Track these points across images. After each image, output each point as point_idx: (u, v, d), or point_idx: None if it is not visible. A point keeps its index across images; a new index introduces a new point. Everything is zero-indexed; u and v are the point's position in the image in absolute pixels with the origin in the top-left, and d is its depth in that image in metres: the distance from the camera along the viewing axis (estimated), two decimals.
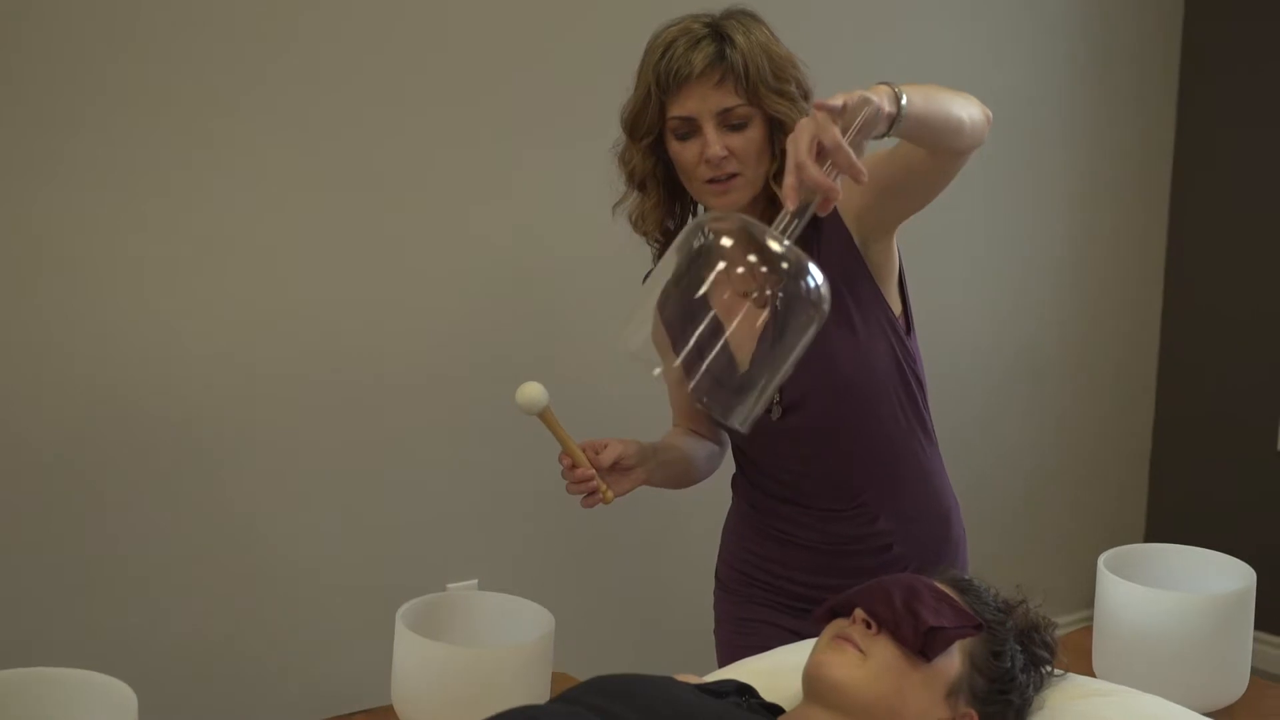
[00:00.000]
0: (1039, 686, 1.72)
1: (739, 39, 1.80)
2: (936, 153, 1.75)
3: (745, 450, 2.09)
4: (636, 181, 1.93)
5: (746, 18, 1.85)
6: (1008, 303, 3.80)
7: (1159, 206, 4.17)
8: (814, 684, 1.59)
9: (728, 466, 2.25)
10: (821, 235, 1.88)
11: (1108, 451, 4.20)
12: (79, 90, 2.32)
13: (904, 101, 1.56)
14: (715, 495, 3.22)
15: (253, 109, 2.51)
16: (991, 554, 3.27)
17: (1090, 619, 3.85)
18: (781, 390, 1.88)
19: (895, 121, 1.56)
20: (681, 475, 2.13)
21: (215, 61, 2.45)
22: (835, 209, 1.77)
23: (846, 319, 1.89)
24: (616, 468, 1.96)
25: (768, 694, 1.68)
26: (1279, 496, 4.00)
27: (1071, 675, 1.79)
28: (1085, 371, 4.07)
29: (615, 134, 1.98)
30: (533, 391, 1.85)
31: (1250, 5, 3.96)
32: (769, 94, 1.81)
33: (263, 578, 2.61)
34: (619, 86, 1.95)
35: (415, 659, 1.89)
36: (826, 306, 1.41)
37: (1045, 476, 3.99)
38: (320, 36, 2.57)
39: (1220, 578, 2.12)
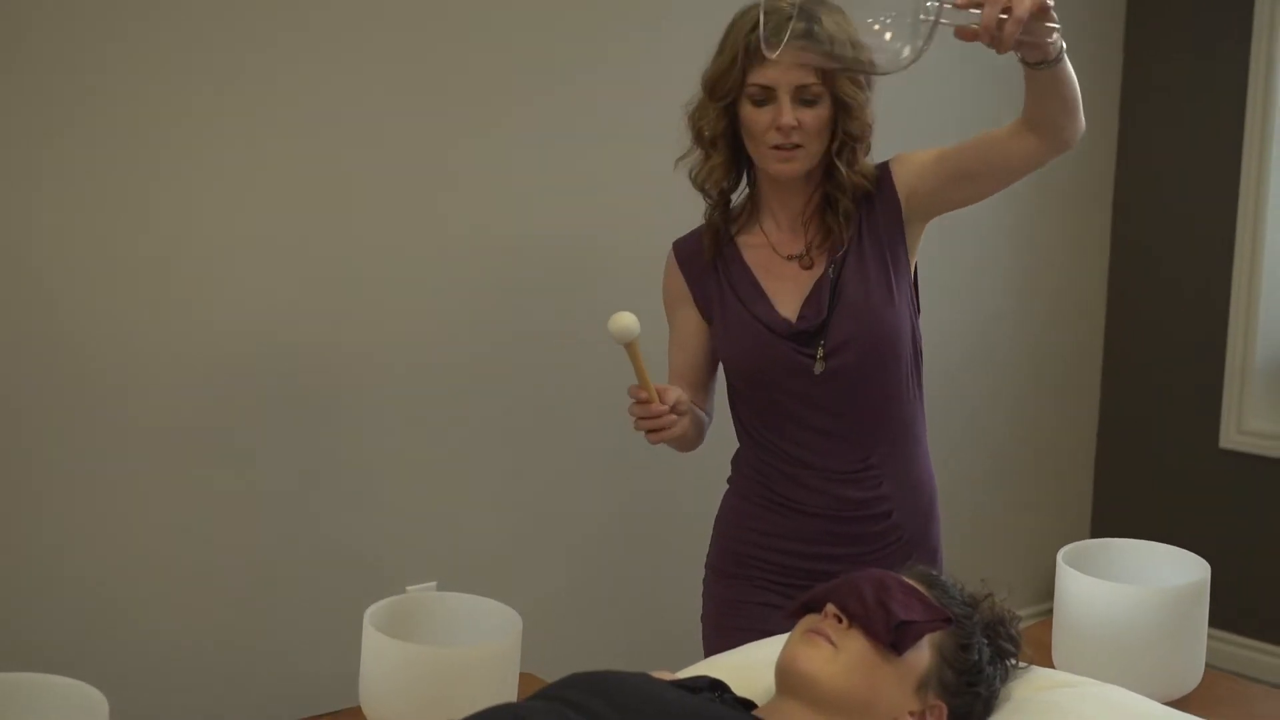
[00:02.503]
0: (1005, 679, 1.75)
1: (826, 23, 1.85)
2: (1044, 129, 1.93)
3: (766, 414, 2.15)
4: (707, 140, 2.06)
5: (828, 4, 1.90)
6: (955, 309, 3.85)
7: (1102, 213, 4.24)
8: (787, 677, 1.61)
9: (722, 454, 2.29)
10: (877, 201, 2.08)
11: (1054, 452, 4.25)
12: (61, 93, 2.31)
13: (1064, 50, 1.78)
14: (670, 493, 3.25)
15: (249, 102, 2.52)
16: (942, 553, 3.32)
17: (1042, 613, 3.92)
18: (825, 338, 2.05)
19: (1047, 63, 1.78)
20: (694, 438, 2.21)
21: (194, 63, 2.45)
22: (893, 182, 2.07)
23: (886, 280, 2.08)
24: (673, 411, 2.03)
25: (739, 689, 1.70)
26: (1222, 493, 4.08)
27: (1035, 668, 1.83)
28: (1031, 375, 4.12)
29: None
30: (627, 320, 1.89)
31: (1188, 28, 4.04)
32: (843, 78, 1.99)
33: (222, 581, 2.59)
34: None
35: (384, 660, 1.89)
36: (920, 43, 1.55)
37: (994, 477, 4.04)
38: (299, 30, 2.56)
39: (1173, 571, 2.16)
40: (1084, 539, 4.03)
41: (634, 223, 3.10)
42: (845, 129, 2.02)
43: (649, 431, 2.00)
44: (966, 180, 2.07)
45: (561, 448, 3.07)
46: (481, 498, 2.94)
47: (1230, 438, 4.05)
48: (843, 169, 2.04)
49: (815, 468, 2.13)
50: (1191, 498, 4.14)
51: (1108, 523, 4.30)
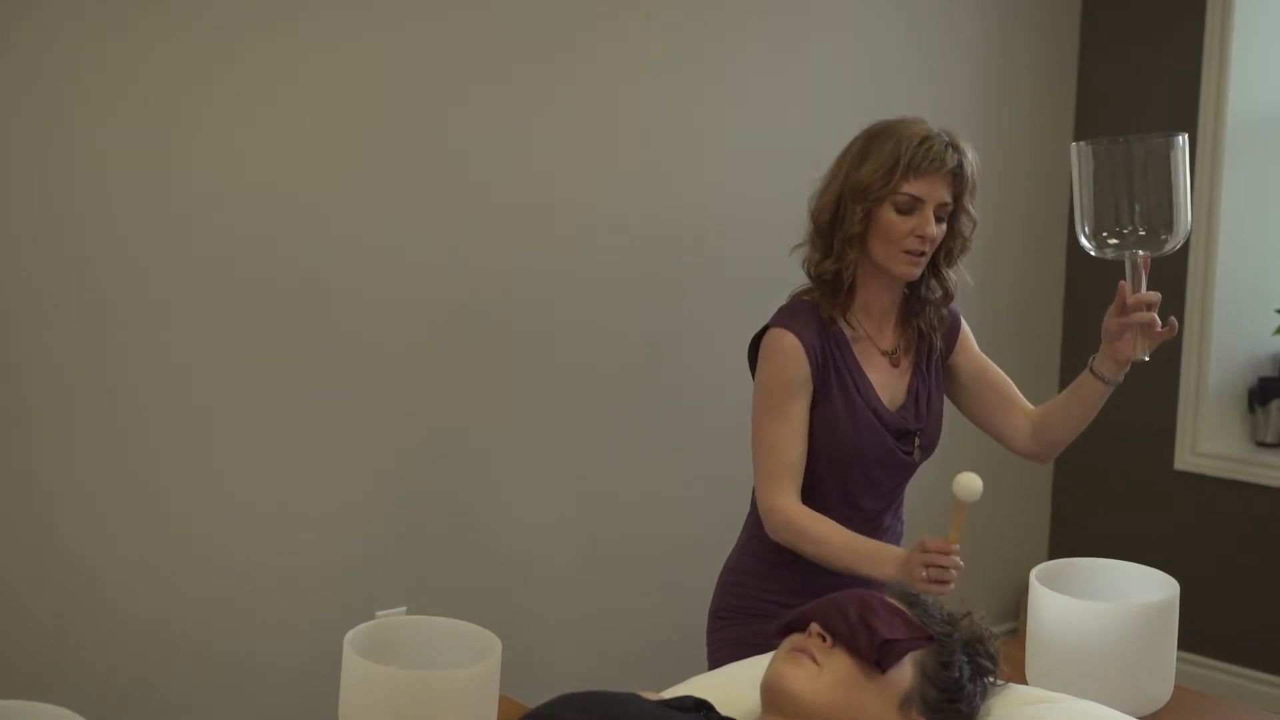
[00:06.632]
0: (985, 695, 1.78)
1: (969, 156, 2.24)
2: (1045, 436, 2.39)
3: (822, 490, 2.28)
4: (843, 238, 2.24)
5: (965, 141, 2.25)
6: None
7: (1058, 237, 4.30)
8: (772, 694, 1.63)
9: (734, 514, 2.42)
10: (942, 334, 2.36)
11: (1013, 475, 4.29)
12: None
13: (1116, 383, 2.23)
14: (647, 518, 3.26)
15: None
16: None
17: (1005, 633, 3.95)
18: (923, 435, 2.33)
19: (1109, 381, 2.22)
20: None
21: (190, 47, 2.44)
22: (958, 333, 2.39)
23: (941, 393, 2.39)
24: None
25: (724, 708, 1.72)
26: (1177, 514, 4.13)
27: (1012, 685, 1.85)
28: None
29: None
30: (978, 484, 2.07)
31: (1141, 26, 4.12)
32: (966, 204, 2.26)
33: (191, 610, 2.57)
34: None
35: (365, 685, 1.87)
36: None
37: (951, 503, 4.06)
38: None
39: (1140, 589, 2.19)
40: (1042, 561, 4.08)
41: (624, 232, 3.11)
42: (951, 244, 2.28)
43: (938, 582, 2.06)
44: (968, 401, 2.42)
45: (530, 469, 3.07)
46: (449, 524, 2.93)
47: (1185, 459, 4.10)
48: (949, 276, 2.31)
49: (852, 524, 2.26)
50: (1147, 519, 4.19)
51: (1065, 544, 4.34)
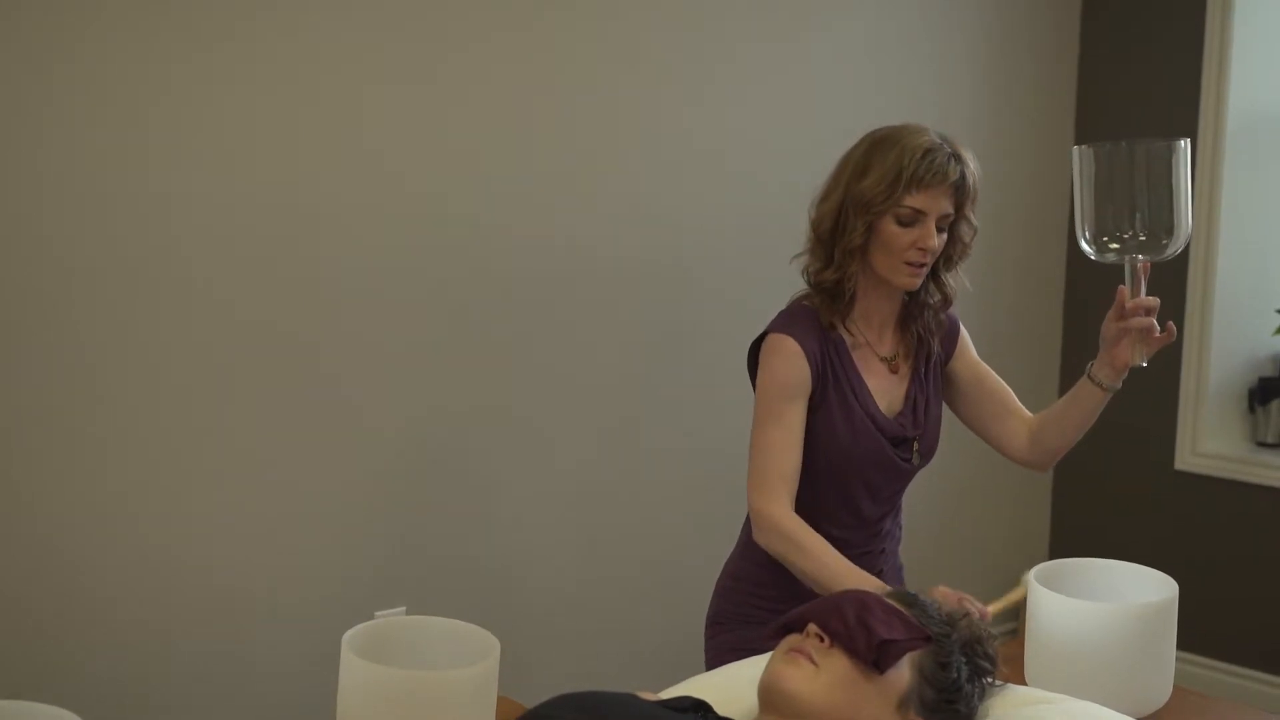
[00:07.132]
0: (983, 696, 1.78)
1: (970, 166, 2.22)
2: (1042, 445, 2.40)
3: (821, 498, 2.28)
4: (844, 249, 2.23)
5: (967, 150, 2.24)
6: None
7: (1059, 237, 4.30)
8: (770, 695, 1.63)
9: (733, 516, 2.43)
10: (940, 339, 2.36)
11: (1013, 475, 4.29)
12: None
13: (1114, 389, 2.23)
14: (644, 519, 3.26)
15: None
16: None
17: (1005, 634, 3.95)
18: (921, 442, 2.33)
19: (1107, 387, 2.23)
20: None
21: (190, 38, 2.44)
22: (957, 339, 2.40)
23: (939, 399, 2.39)
24: None
25: (722, 708, 1.72)
26: (1178, 515, 4.13)
27: (1011, 685, 1.85)
28: None
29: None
30: None
31: (1141, 27, 4.12)
32: (968, 213, 2.26)
33: (191, 609, 2.57)
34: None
35: (363, 686, 1.87)
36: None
37: (953, 501, 4.08)
38: None
39: (1140, 589, 2.19)
40: (1042, 561, 4.08)
41: (626, 234, 3.11)
42: (951, 251, 2.28)
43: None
44: (966, 407, 2.43)
45: (529, 469, 3.07)
46: (449, 522, 2.93)
47: (1185, 459, 4.10)
48: (948, 281, 2.31)
49: (847, 542, 2.27)
50: (1147, 519, 4.19)
51: (1065, 545, 4.34)
